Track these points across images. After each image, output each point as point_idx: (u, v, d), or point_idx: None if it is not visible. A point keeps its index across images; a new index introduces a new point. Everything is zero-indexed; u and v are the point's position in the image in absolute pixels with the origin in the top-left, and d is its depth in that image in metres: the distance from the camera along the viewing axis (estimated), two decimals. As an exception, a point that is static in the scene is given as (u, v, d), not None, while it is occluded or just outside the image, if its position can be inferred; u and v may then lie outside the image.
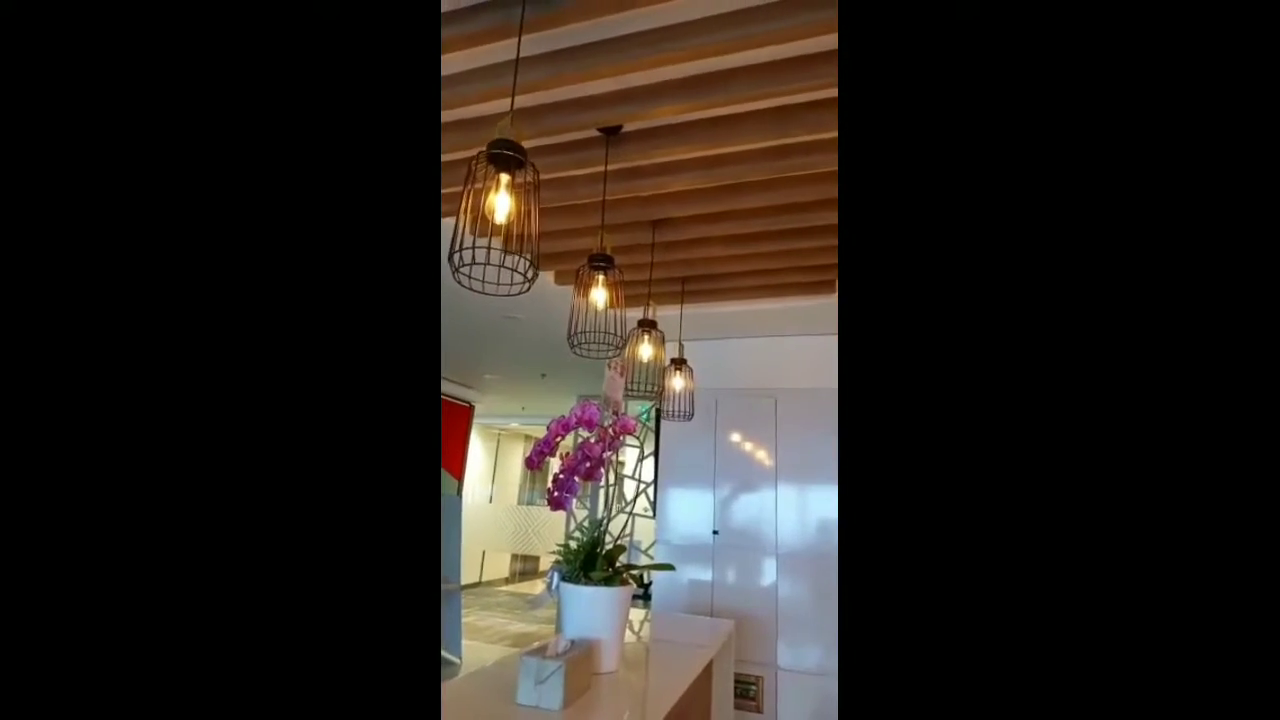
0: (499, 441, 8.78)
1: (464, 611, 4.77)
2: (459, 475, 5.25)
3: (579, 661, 1.24)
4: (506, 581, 8.69)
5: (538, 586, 8.48)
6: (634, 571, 1.54)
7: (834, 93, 1.37)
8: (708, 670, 1.89)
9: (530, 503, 9.19)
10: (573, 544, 1.54)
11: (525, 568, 9.28)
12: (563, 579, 1.46)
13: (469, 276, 1.04)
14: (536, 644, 1.28)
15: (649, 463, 3.70)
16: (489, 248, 1.02)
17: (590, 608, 1.42)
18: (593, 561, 1.47)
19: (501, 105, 1.48)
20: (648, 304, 1.93)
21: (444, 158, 1.64)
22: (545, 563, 9.60)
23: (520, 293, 1.08)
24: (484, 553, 8.10)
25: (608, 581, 1.44)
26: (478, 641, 5.19)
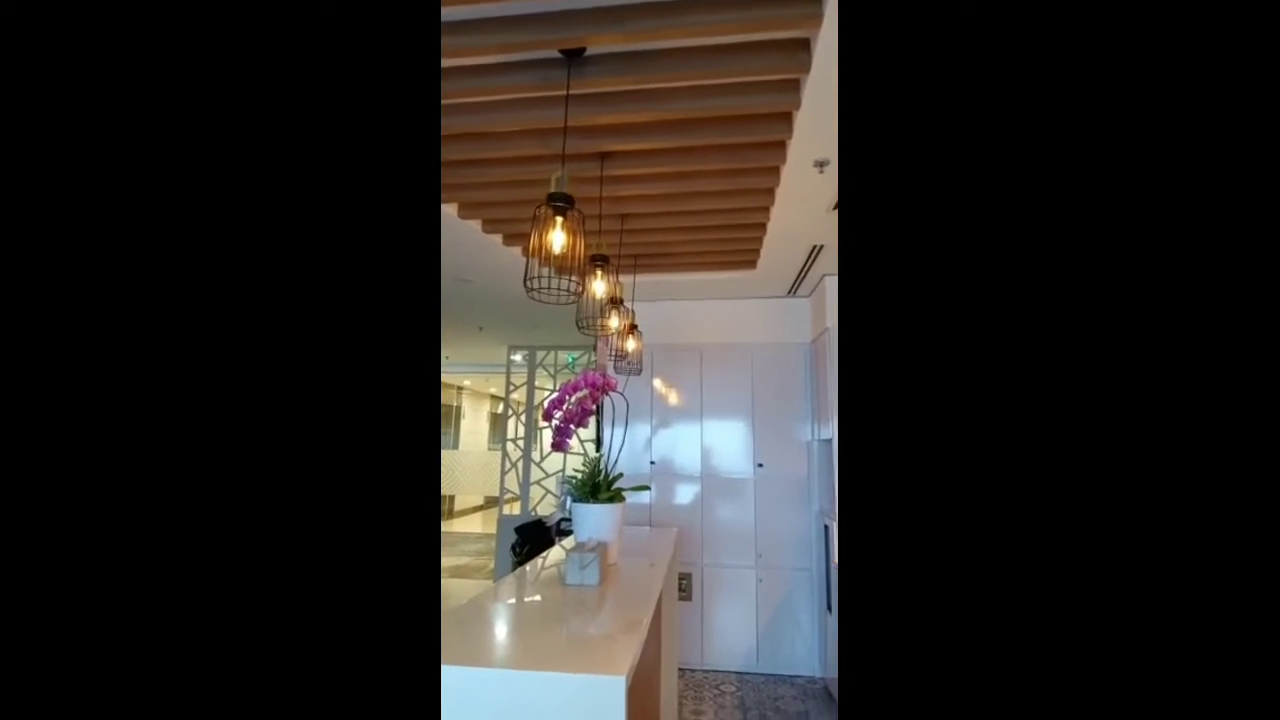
0: (411, 388, 8.86)
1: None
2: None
3: (603, 554, 1.76)
4: (423, 522, 8.99)
5: (456, 525, 8.89)
6: (624, 491, 2.07)
7: (764, 138, 1.87)
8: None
9: (446, 446, 9.43)
10: (578, 476, 2.04)
11: (442, 507, 9.63)
12: (575, 500, 1.96)
13: (537, 293, 1.46)
14: (574, 544, 1.77)
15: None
16: (549, 276, 1.44)
17: (599, 519, 1.93)
18: (597, 488, 1.98)
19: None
20: (616, 286, 2.38)
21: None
22: (460, 503, 9.98)
23: (570, 302, 1.52)
24: (402, 495, 8.29)
25: (609, 500, 1.96)
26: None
